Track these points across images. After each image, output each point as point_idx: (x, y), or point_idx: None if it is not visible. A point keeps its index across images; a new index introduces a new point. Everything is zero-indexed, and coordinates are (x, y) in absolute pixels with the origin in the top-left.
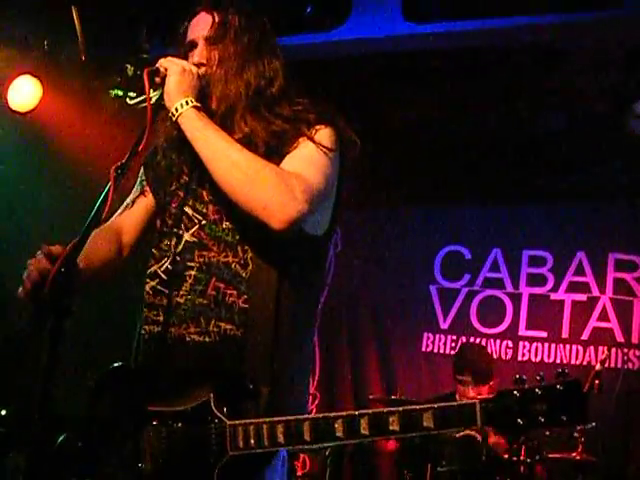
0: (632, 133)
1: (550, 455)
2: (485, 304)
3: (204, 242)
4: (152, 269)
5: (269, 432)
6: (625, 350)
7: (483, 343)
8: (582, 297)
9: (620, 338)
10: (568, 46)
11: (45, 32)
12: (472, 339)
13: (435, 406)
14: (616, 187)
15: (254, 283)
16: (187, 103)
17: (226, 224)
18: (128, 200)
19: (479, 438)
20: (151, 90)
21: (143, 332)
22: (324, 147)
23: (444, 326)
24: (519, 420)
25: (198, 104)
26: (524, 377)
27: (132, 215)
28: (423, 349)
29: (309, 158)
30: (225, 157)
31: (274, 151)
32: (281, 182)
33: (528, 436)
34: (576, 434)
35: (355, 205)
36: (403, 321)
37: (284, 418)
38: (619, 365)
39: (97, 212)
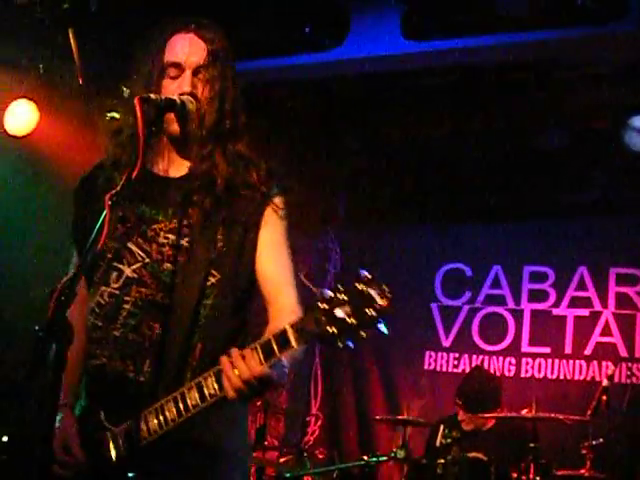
0: (630, 148)
1: (559, 472)
2: (487, 321)
3: (144, 279)
4: (90, 306)
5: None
6: (629, 365)
7: (485, 360)
8: (584, 312)
9: (623, 353)
10: (566, 61)
11: (41, 55)
12: (475, 356)
13: (257, 344)
14: (616, 201)
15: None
16: None
17: (167, 265)
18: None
19: (486, 459)
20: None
21: (88, 365)
22: (286, 222)
23: (446, 344)
24: (329, 329)
25: None
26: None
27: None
28: (425, 367)
29: (287, 251)
30: None
31: (231, 188)
32: None
33: (535, 454)
34: (584, 451)
35: (354, 225)
36: (405, 340)
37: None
38: (623, 380)
39: (93, 242)
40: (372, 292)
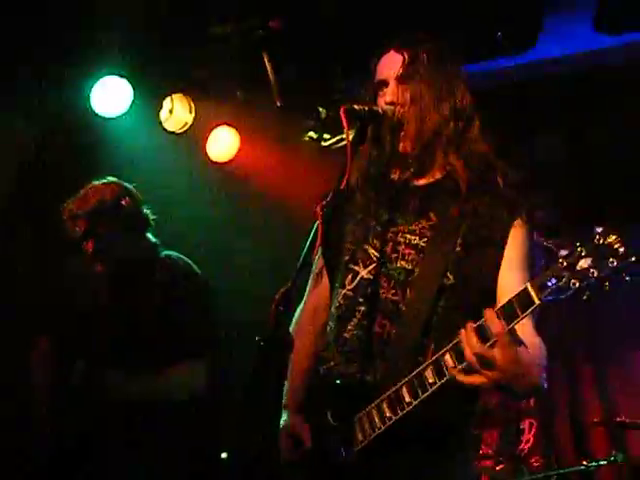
0: None
1: None
2: None
3: (378, 279)
4: (330, 310)
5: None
6: None
7: None
8: None
9: None
10: None
11: (238, 81)
12: None
13: (498, 308)
14: None
15: None
16: None
17: (401, 263)
18: (316, 270)
19: None
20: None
21: (318, 370)
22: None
23: None
24: (571, 282)
25: None
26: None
27: (325, 290)
28: None
29: (530, 271)
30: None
31: (475, 190)
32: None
33: None
34: None
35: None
36: (618, 340)
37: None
38: None
39: (307, 253)
40: (611, 242)
